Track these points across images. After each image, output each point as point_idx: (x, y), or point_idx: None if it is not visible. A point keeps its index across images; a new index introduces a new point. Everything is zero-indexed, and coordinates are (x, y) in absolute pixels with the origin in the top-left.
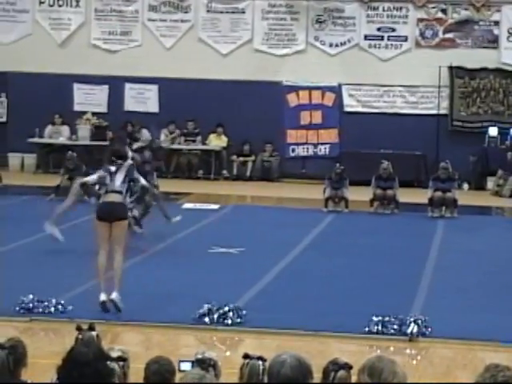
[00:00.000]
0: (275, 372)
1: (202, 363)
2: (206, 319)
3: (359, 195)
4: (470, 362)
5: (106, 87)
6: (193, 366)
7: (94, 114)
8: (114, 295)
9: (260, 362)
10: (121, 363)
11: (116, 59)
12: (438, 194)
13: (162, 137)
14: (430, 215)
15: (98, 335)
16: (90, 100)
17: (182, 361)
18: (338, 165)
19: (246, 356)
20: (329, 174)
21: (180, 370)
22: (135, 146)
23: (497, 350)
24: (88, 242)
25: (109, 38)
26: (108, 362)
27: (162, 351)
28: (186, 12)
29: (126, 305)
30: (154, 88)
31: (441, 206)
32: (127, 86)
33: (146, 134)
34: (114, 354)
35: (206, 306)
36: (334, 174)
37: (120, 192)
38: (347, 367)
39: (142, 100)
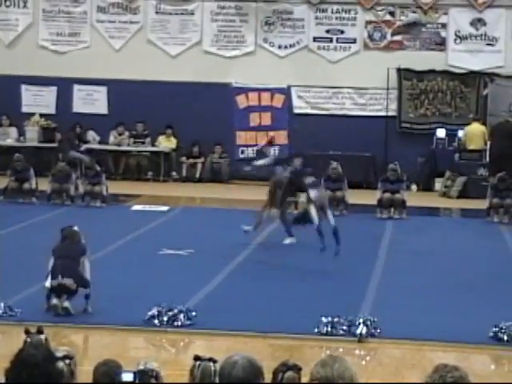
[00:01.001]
0: (226, 373)
1: (144, 374)
2: (156, 321)
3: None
4: (418, 362)
5: (54, 89)
6: (135, 377)
7: (42, 115)
8: (67, 303)
9: (211, 364)
10: (67, 361)
11: (64, 60)
12: (387, 195)
13: (111, 138)
14: (379, 216)
15: (46, 338)
16: (38, 101)
17: (124, 371)
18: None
19: (196, 358)
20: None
21: (122, 382)
22: (83, 147)
23: (445, 350)
24: (36, 244)
25: (57, 39)
26: (58, 364)
27: (112, 353)
28: (134, 13)
29: (75, 307)
30: (103, 89)
31: (390, 207)
32: (76, 87)
33: (92, 136)
34: (60, 354)
35: (155, 308)
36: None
37: None
38: (296, 368)
39: (91, 101)
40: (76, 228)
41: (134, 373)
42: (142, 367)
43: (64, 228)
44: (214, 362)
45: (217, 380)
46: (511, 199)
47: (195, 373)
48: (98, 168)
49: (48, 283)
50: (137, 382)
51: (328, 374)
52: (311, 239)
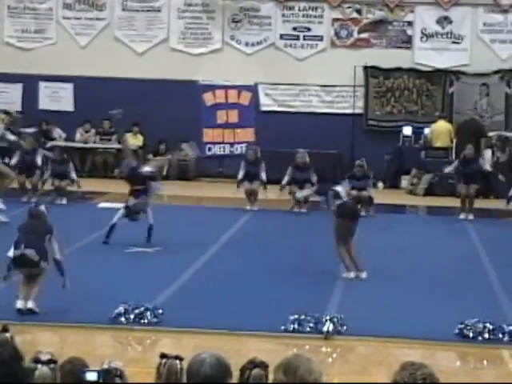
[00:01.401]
0: (194, 371)
1: (109, 373)
2: (123, 319)
3: (275, 194)
4: (385, 359)
5: (19, 86)
6: (99, 376)
7: (6, 112)
8: (31, 303)
9: (177, 361)
10: (52, 365)
11: (30, 57)
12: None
13: (77, 136)
14: None
15: (12, 336)
16: (3, 98)
17: (88, 370)
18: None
19: (162, 355)
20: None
21: (86, 381)
22: (49, 144)
23: (411, 347)
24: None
25: (22, 36)
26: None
27: (78, 351)
28: (101, 10)
29: (41, 305)
30: (69, 87)
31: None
32: (42, 84)
33: (58, 133)
34: (44, 358)
35: (122, 306)
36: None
37: None
38: (262, 366)
39: (57, 99)
40: (43, 208)
41: (98, 372)
42: (106, 366)
43: (31, 207)
44: (181, 359)
45: (183, 378)
46: (475, 184)
47: (161, 371)
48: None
49: (11, 253)
50: (101, 381)
51: (290, 380)
52: (280, 237)
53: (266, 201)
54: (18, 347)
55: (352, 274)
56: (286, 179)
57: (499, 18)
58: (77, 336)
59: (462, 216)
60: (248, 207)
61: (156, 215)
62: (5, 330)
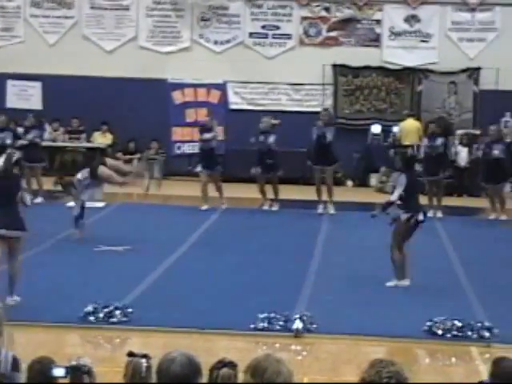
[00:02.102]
0: (165, 369)
1: (77, 370)
2: (92, 318)
3: (244, 192)
4: (354, 357)
5: None
6: (67, 372)
7: None
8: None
9: (143, 360)
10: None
11: None
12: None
13: (46, 134)
14: (319, 212)
15: None
16: None
17: (56, 366)
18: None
19: (130, 354)
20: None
21: (53, 376)
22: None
23: (381, 345)
24: None
25: None
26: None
27: (47, 351)
28: (69, 8)
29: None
30: (38, 85)
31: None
32: (9, 82)
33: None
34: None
35: (91, 305)
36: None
37: None
38: (231, 365)
39: (25, 97)
40: None
41: (66, 368)
42: (74, 363)
43: None
44: (148, 358)
45: (151, 376)
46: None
47: (128, 369)
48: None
49: None
50: (68, 377)
51: (257, 381)
52: (249, 235)
53: (236, 199)
54: None
55: (395, 282)
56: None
57: (467, 16)
58: (46, 335)
59: (430, 213)
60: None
61: (126, 214)
62: None
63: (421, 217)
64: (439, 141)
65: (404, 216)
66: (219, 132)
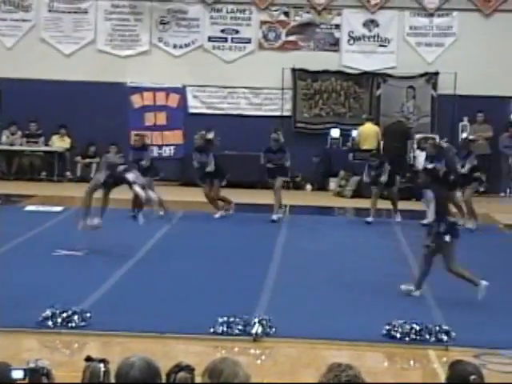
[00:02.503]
0: (124, 374)
1: (35, 372)
2: (50, 323)
3: (202, 197)
4: (313, 361)
5: None
6: (25, 375)
7: None
8: None
9: (101, 365)
10: None
11: None
12: (270, 165)
13: (3, 138)
14: (274, 218)
15: None
16: None
17: (14, 369)
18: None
19: (88, 359)
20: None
21: (12, 379)
22: None
23: (339, 349)
24: None
25: None
26: None
27: (4, 356)
28: (27, 11)
29: None
30: None
31: (273, 178)
32: None
33: None
34: None
35: (49, 310)
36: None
37: None
38: (188, 369)
39: None
40: None
41: (25, 370)
42: (32, 365)
43: None
44: (105, 363)
45: (108, 381)
46: (384, 176)
47: (85, 374)
48: None
49: None
50: (27, 379)
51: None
52: (208, 240)
53: (193, 203)
54: None
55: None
56: None
57: (425, 21)
58: (2, 340)
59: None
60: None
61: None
62: None
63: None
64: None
65: (446, 237)
66: (178, 136)
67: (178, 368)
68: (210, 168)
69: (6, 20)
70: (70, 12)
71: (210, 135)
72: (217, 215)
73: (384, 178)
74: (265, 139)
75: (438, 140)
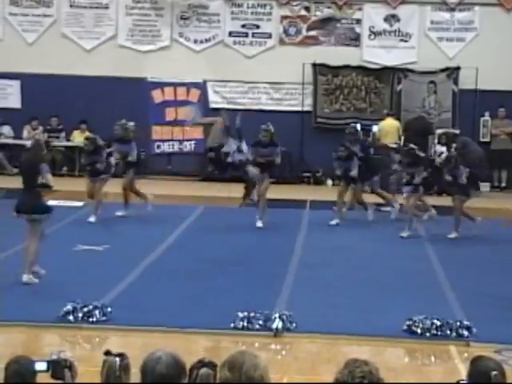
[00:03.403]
0: (150, 369)
1: (58, 364)
2: (71, 317)
3: (223, 192)
4: (333, 357)
5: None
6: (48, 367)
7: None
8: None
9: (117, 359)
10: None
11: None
12: (260, 159)
13: (25, 133)
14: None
15: None
16: None
17: (37, 361)
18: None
19: (106, 353)
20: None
21: (35, 371)
22: None
23: (360, 344)
24: None
25: None
26: None
27: (26, 351)
28: (48, 7)
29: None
30: (16, 83)
31: (262, 172)
32: None
33: (6, 130)
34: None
35: (70, 304)
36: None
37: None
38: (211, 365)
39: (4, 96)
40: None
41: (48, 362)
42: (55, 357)
43: None
44: (123, 357)
45: (127, 376)
46: (354, 171)
47: (103, 368)
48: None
49: None
50: (50, 371)
51: (235, 377)
52: (229, 234)
53: (214, 198)
54: None
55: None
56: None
57: (446, 16)
58: (24, 335)
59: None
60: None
61: (104, 213)
62: None
63: None
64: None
65: None
66: (199, 131)
67: (201, 364)
68: (132, 158)
69: (27, 15)
70: (91, 7)
71: (130, 124)
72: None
73: (354, 173)
74: (285, 134)
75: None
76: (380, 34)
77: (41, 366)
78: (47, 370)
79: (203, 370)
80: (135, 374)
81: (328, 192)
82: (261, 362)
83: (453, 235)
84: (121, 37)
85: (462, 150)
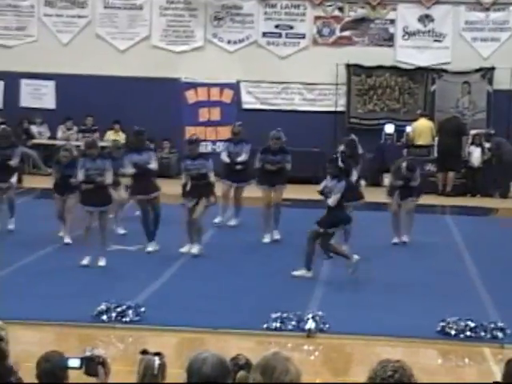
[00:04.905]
0: (196, 370)
1: (91, 361)
2: (104, 317)
3: (257, 192)
4: (366, 358)
5: (1, 83)
6: (82, 363)
7: None
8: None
9: (156, 358)
10: None
11: (11, 55)
12: (268, 167)
13: (59, 133)
14: None
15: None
16: None
17: (70, 357)
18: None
19: (143, 352)
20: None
21: (68, 367)
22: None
23: (393, 345)
24: None
25: (4, 33)
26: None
27: (59, 350)
28: (82, 7)
29: (19, 304)
30: (51, 84)
31: (271, 184)
32: (23, 81)
33: (42, 130)
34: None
35: (104, 304)
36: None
37: None
38: (247, 366)
39: (39, 96)
40: None
41: (81, 359)
42: (88, 354)
43: None
44: (161, 356)
45: (164, 375)
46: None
47: (140, 367)
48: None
49: None
50: (83, 367)
51: (266, 381)
52: (257, 235)
53: (246, 199)
54: (2, 346)
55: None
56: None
57: (481, 16)
58: (58, 334)
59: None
60: None
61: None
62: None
63: None
64: None
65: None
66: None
67: (237, 366)
68: (13, 162)
69: (62, 16)
70: (125, 8)
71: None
72: None
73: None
74: (319, 135)
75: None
76: (414, 35)
77: (74, 362)
78: (80, 367)
79: (241, 373)
80: (170, 374)
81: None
82: (293, 366)
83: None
84: (154, 37)
85: (497, 151)
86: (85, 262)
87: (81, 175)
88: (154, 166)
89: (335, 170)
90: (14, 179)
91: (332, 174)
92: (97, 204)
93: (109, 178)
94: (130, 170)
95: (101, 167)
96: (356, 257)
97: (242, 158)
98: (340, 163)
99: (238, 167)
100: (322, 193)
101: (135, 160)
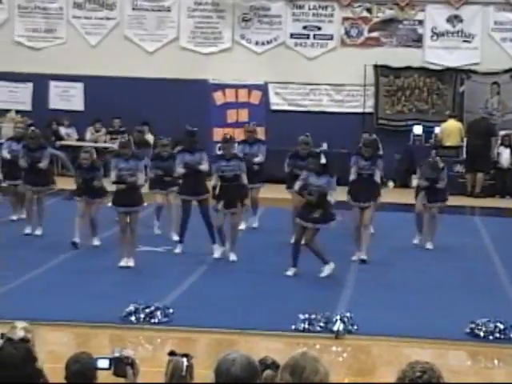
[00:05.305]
0: (224, 370)
1: (120, 361)
2: (133, 318)
3: (284, 193)
4: (395, 359)
5: (30, 85)
6: (111, 364)
7: (17, 112)
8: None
9: (184, 359)
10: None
11: (40, 57)
12: (296, 171)
13: (88, 135)
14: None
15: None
16: (13, 98)
17: (99, 358)
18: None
19: (171, 353)
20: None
21: (97, 368)
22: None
23: (422, 347)
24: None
25: (33, 36)
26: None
27: (88, 351)
28: (111, 9)
29: (48, 306)
30: (79, 86)
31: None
32: (52, 83)
33: (69, 132)
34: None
35: (132, 305)
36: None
37: None
38: (274, 366)
39: (67, 98)
40: None
41: (110, 359)
42: (117, 354)
43: None
44: (189, 357)
45: (192, 376)
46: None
47: (168, 368)
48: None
49: None
50: (112, 368)
51: (295, 381)
52: (286, 236)
53: (275, 200)
54: (31, 348)
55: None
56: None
57: (510, 16)
58: (87, 335)
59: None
60: None
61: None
62: (27, 330)
63: None
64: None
65: None
66: (260, 133)
67: (264, 365)
68: (43, 165)
69: (90, 18)
70: (153, 10)
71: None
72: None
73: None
74: (347, 136)
75: None
76: (442, 35)
77: (103, 363)
78: (109, 368)
79: (267, 372)
80: (198, 374)
81: (389, 194)
82: (321, 366)
83: None
84: (182, 39)
85: None
86: (122, 263)
87: (113, 175)
88: (204, 166)
89: (318, 166)
90: (52, 185)
91: (314, 169)
92: (128, 204)
93: (141, 179)
94: (181, 170)
95: (133, 168)
96: (332, 265)
97: (259, 159)
98: (323, 159)
99: (255, 168)
100: (303, 190)
101: (187, 160)
